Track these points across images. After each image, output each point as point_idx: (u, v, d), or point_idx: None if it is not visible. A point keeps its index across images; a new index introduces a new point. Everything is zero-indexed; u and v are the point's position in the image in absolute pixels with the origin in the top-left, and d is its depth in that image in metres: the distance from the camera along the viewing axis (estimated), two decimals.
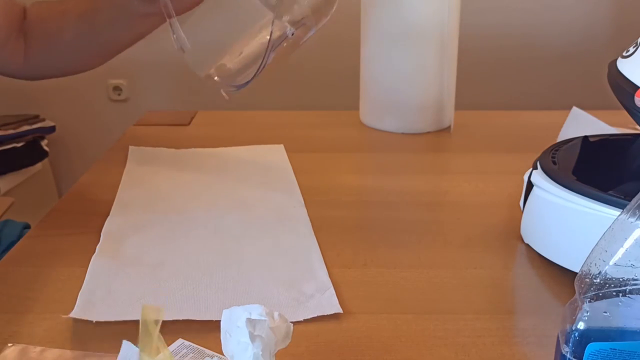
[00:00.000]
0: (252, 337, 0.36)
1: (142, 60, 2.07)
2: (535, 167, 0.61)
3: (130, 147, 0.88)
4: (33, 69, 0.82)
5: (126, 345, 0.40)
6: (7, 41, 0.73)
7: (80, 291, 0.53)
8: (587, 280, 0.34)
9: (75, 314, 0.50)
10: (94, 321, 0.49)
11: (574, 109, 0.87)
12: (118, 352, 0.41)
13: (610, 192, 0.53)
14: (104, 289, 0.54)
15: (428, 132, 0.96)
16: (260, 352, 0.35)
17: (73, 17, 0.77)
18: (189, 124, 1.02)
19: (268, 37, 0.65)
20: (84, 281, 0.55)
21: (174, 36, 0.69)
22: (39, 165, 2.09)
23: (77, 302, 0.52)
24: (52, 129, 2.12)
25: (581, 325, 0.35)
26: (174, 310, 0.51)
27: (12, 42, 0.74)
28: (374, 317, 0.51)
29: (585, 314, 0.34)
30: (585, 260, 0.35)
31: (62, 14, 0.78)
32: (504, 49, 1.24)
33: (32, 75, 0.84)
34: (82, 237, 0.64)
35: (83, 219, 0.68)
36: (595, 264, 0.34)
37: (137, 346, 0.35)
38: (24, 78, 0.85)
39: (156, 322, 0.35)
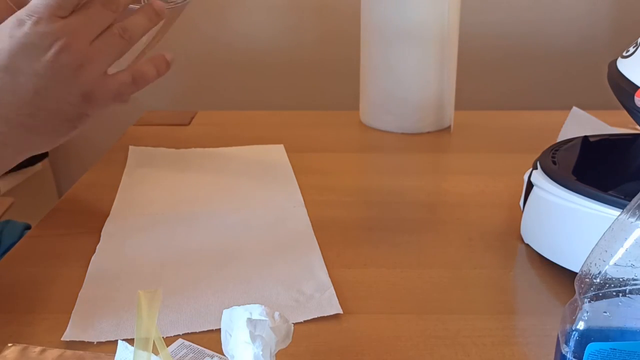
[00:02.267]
0: (253, 337, 0.36)
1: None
2: (535, 167, 0.61)
3: (130, 147, 0.88)
4: None
5: (122, 345, 0.40)
6: None
7: (74, 311, 0.51)
8: (587, 280, 0.34)
9: (69, 335, 0.48)
10: (95, 342, 0.47)
11: (574, 109, 0.87)
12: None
13: (610, 192, 0.53)
14: (102, 297, 0.54)
15: (428, 132, 0.96)
16: (261, 352, 0.35)
17: None
18: (189, 124, 1.02)
19: None
20: (77, 300, 0.53)
21: None
22: (39, 165, 2.08)
23: (70, 320, 0.50)
24: None
25: (581, 325, 0.35)
26: (174, 311, 0.51)
27: None
28: (374, 317, 0.51)
29: (585, 314, 0.34)
30: (585, 260, 0.35)
31: None
32: (504, 49, 1.24)
33: None
34: (82, 237, 0.64)
35: (83, 219, 0.68)
36: (595, 264, 0.34)
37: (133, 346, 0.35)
38: None
39: (153, 313, 0.34)
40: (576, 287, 0.35)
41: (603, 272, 0.34)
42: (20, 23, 0.48)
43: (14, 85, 0.48)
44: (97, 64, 0.50)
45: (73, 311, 0.51)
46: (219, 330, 0.38)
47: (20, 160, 0.52)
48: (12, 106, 0.48)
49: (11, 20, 0.48)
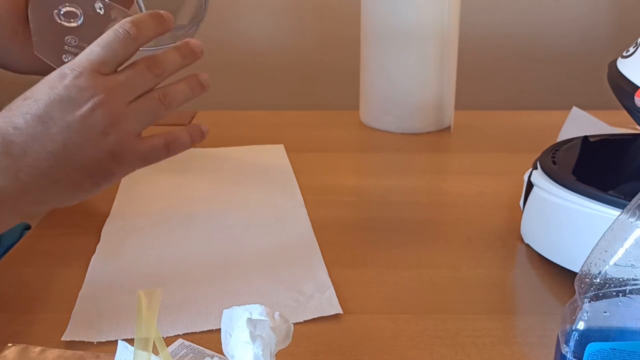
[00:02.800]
0: (253, 337, 0.36)
1: None
2: (535, 167, 0.61)
3: None
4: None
5: (122, 345, 0.40)
6: (15, 34, 0.72)
7: (74, 311, 0.51)
8: (587, 280, 0.34)
9: (69, 335, 0.48)
10: (95, 342, 0.48)
11: (574, 109, 0.87)
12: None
13: (610, 192, 0.53)
14: (101, 299, 0.54)
15: (428, 132, 0.96)
16: (261, 352, 0.35)
17: None
18: (189, 124, 1.01)
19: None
20: (78, 297, 0.53)
21: None
22: None
23: (70, 320, 0.50)
24: None
25: (581, 325, 0.35)
26: (174, 311, 0.51)
27: (20, 35, 0.73)
28: (374, 317, 0.51)
29: (585, 314, 0.34)
30: (585, 260, 0.35)
31: None
32: (504, 49, 1.24)
33: (47, 68, 0.83)
34: (82, 237, 0.64)
35: (83, 219, 0.68)
36: (595, 264, 0.34)
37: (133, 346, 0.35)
38: (39, 73, 0.84)
39: (153, 313, 0.34)
40: (576, 287, 0.35)
41: (603, 272, 0.34)
42: (62, 76, 0.48)
43: (45, 136, 0.48)
44: (130, 125, 0.50)
45: (73, 311, 0.51)
46: (219, 330, 0.38)
47: (41, 212, 0.52)
48: (39, 155, 0.48)
49: (55, 74, 0.49)
